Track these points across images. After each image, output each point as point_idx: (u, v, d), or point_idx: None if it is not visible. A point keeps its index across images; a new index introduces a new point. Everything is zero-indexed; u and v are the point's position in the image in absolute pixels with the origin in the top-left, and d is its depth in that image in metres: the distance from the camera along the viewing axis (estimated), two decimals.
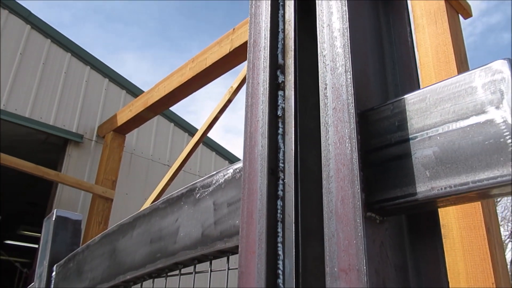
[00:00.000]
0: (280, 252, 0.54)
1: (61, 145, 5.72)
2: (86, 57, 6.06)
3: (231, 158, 7.57)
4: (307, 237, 0.53)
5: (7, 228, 9.51)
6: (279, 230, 0.55)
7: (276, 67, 0.64)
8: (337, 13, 0.55)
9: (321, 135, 0.50)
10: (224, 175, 0.76)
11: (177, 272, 0.85)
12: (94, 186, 5.06)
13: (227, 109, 3.74)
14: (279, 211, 0.55)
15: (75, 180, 5.04)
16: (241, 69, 3.68)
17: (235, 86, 3.56)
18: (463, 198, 0.44)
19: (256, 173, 0.58)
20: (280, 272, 0.53)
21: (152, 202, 2.53)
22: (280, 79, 0.63)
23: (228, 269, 0.74)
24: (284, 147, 0.59)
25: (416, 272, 0.53)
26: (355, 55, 0.54)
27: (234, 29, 3.55)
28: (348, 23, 0.53)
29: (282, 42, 0.66)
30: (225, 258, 0.75)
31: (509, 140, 0.40)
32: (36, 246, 8.48)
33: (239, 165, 0.71)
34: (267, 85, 0.62)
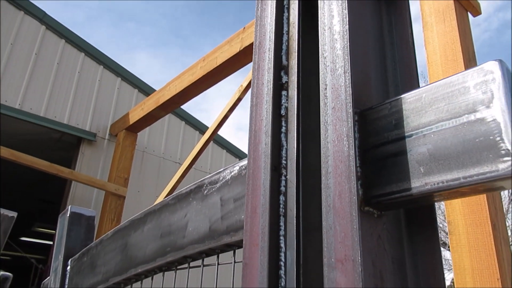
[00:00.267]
0: (282, 245, 0.56)
1: (75, 143, 5.83)
2: (99, 57, 6.16)
3: (241, 156, 7.61)
4: (308, 231, 0.56)
5: (23, 225, 9.71)
6: (282, 224, 0.57)
7: (280, 68, 0.67)
8: (337, 16, 0.57)
9: (321, 133, 0.53)
10: (230, 172, 0.79)
11: (186, 265, 0.88)
12: (107, 184, 5.14)
13: (239, 107, 3.78)
14: (281, 206, 0.58)
15: (89, 178, 5.13)
16: (251, 68, 3.70)
17: (244, 84, 3.59)
18: (455, 193, 0.46)
19: (259, 169, 0.60)
20: (282, 263, 0.55)
21: None
22: (284, 79, 0.66)
23: (235, 262, 0.77)
24: (287, 145, 0.61)
25: (413, 264, 0.55)
26: (355, 57, 0.57)
27: (244, 28, 3.58)
28: (348, 25, 0.56)
29: (286, 43, 0.68)
30: (232, 252, 0.78)
31: (498, 138, 0.42)
32: (51, 242, 8.65)
33: (244, 162, 0.74)
34: (271, 85, 0.65)
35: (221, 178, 0.82)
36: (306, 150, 0.60)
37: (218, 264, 0.82)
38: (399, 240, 0.56)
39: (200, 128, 7.09)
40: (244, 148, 8.02)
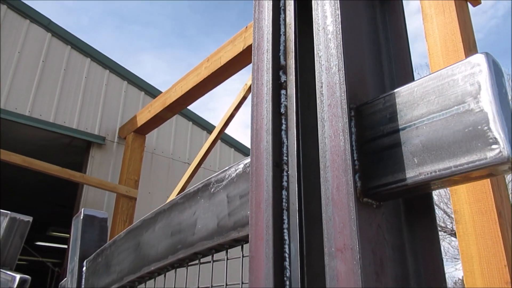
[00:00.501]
0: (286, 237, 0.59)
1: (85, 147, 5.91)
2: (105, 61, 6.23)
3: (249, 153, 7.64)
4: (310, 223, 0.59)
5: (38, 230, 9.86)
6: (285, 217, 0.60)
7: (278, 68, 0.69)
8: (330, 17, 0.59)
9: (318, 129, 0.55)
10: (235, 170, 0.82)
11: (196, 261, 0.92)
12: (117, 186, 5.21)
13: (246, 105, 3.81)
14: (284, 200, 0.61)
15: (99, 181, 5.21)
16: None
17: (249, 83, 3.62)
18: (448, 181, 0.48)
19: (262, 166, 0.63)
20: (286, 255, 0.58)
21: None
22: (283, 79, 0.68)
23: (243, 256, 0.80)
24: (287, 142, 0.64)
25: (413, 251, 0.58)
26: (349, 55, 0.59)
27: (246, 27, 3.60)
28: (341, 25, 0.58)
29: (284, 44, 0.71)
30: (239, 247, 0.81)
31: (486, 127, 0.45)
32: (65, 246, 8.77)
33: (248, 160, 0.77)
34: (270, 85, 0.67)
35: (226, 176, 0.84)
36: (306, 146, 0.63)
37: (227, 259, 0.85)
38: (398, 229, 0.58)
39: (208, 127, 7.13)
40: None
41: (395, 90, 0.56)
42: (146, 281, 1.11)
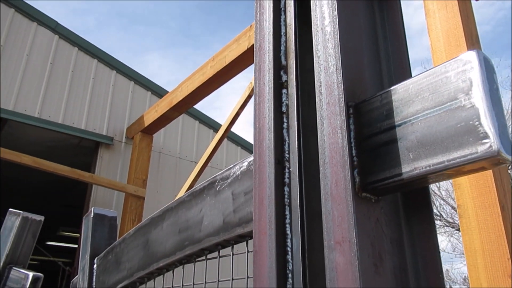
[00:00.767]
0: (288, 232, 0.61)
1: (93, 148, 5.98)
2: (112, 62, 6.29)
3: None
4: (311, 218, 0.61)
5: (48, 230, 9.99)
6: (287, 212, 0.62)
7: (279, 68, 0.71)
8: (328, 18, 0.61)
9: (318, 127, 0.57)
10: (240, 168, 0.84)
11: (203, 257, 0.94)
12: (126, 186, 5.27)
13: (252, 103, 3.83)
14: (286, 196, 0.63)
15: (108, 181, 5.27)
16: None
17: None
18: (442, 175, 0.50)
19: (265, 163, 0.65)
20: (288, 249, 0.60)
21: None
22: (284, 78, 0.70)
23: (248, 251, 0.82)
24: (289, 140, 0.66)
25: (411, 244, 0.59)
26: (347, 54, 0.61)
27: (251, 26, 3.62)
28: (338, 26, 0.60)
29: (285, 44, 0.73)
30: (245, 243, 0.83)
31: (477, 123, 0.46)
32: (75, 246, 8.88)
33: (252, 157, 0.79)
34: (272, 84, 0.69)
35: (231, 174, 0.87)
36: (306, 143, 0.65)
37: (233, 254, 0.87)
38: (397, 223, 0.60)
39: (214, 126, 7.17)
40: None
41: (392, 88, 0.57)
42: (155, 277, 1.14)
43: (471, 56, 0.49)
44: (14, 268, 1.56)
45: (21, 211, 1.67)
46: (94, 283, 1.37)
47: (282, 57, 0.72)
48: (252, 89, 3.76)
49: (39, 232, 1.67)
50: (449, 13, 1.89)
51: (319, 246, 0.59)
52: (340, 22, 0.60)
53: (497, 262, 1.47)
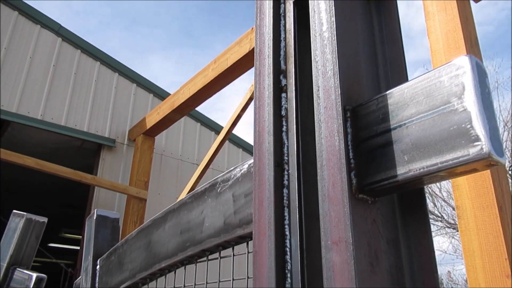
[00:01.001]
0: (287, 233, 0.63)
1: (95, 150, 6.00)
2: (114, 64, 6.32)
3: None
4: (309, 219, 0.62)
5: (50, 231, 10.02)
6: (286, 214, 0.64)
7: (279, 72, 0.73)
8: (326, 24, 0.63)
9: (315, 130, 0.59)
10: (240, 170, 0.86)
11: (205, 258, 0.96)
12: (128, 188, 5.29)
13: (253, 106, 3.84)
14: (285, 198, 0.64)
15: (110, 183, 5.29)
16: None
17: None
18: (436, 177, 0.51)
19: (264, 166, 0.67)
20: (287, 249, 0.62)
21: None
22: (283, 82, 0.72)
23: (248, 252, 0.84)
24: (288, 143, 0.67)
25: (407, 244, 0.61)
26: (345, 59, 0.62)
27: (252, 28, 3.63)
28: (336, 31, 0.61)
29: (284, 49, 0.74)
30: (245, 244, 0.85)
31: (469, 126, 0.48)
32: (77, 247, 8.90)
33: (252, 160, 0.80)
34: (272, 88, 0.71)
35: (232, 176, 0.88)
36: (305, 146, 0.66)
37: (233, 255, 0.89)
38: (393, 223, 0.61)
39: (216, 128, 7.19)
40: None
41: (387, 92, 0.59)
42: (157, 278, 1.15)
43: (464, 61, 0.51)
44: (18, 269, 1.58)
45: (25, 213, 1.69)
46: (97, 284, 1.39)
47: (282, 62, 0.74)
48: (253, 92, 3.78)
49: (42, 233, 1.69)
50: (448, 15, 1.90)
51: (317, 246, 0.61)
52: (338, 28, 0.62)
53: (495, 262, 1.49)
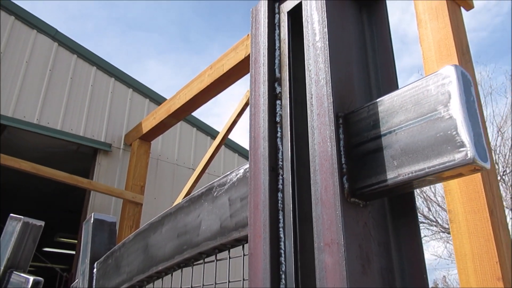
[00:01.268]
0: (282, 235, 0.65)
1: (91, 154, 6.00)
2: (110, 69, 6.33)
3: None
4: (303, 222, 0.64)
5: (45, 236, 9.96)
6: (280, 217, 0.66)
7: (274, 80, 0.75)
8: (319, 34, 0.65)
9: (309, 136, 0.61)
10: (236, 174, 0.88)
11: (201, 261, 0.97)
12: (124, 192, 5.29)
13: (249, 111, 3.87)
14: (279, 201, 0.67)
15: (106, 187, 5.28)
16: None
17: None
18: (424, 181, 0.54)
19: (259, 171, 0.69)
20: (282, 251, 0.64)
21: None
22: (278, 90, 0.74)
23: (244, 255, 0.86)
24: (282, 148, 0.70)
25: (398, 247, 0.63)
26: (337, 68, 0.65)
27: (248, 34, 3.67)
28: (328, 42, 0.64)
29: (279, 58, 0.77)
30: (241, 247, 0.87)
31: (455, 132, 0.50)
32: (72, 252, 8.86)
33: (248, 165, 0.83)
34: (267, 96, 0.73)
35: (228, 181, 0.90)
36: (299, 151, 0.69)
37: (229, 258, 0.91)
38: (384, 226, 0.64)
39: (212, 133, 7.21)
40: None
41: (378, 100, 0.61)
42: (154, 280, 1.17)
43: (450, 71, 0.53)
44: (14, 272, 1.59)
45: (22, 216, 1.70)
46: (94, 287, 1.40)
47: (276, 70, 0.76)
48: (249, 98, 3.81)
49: (39, 237, 1.70)
50: (440, 23, 1.94)
51: (310, 248, 0.63)
52: (330, 38, 0.64)
53: (486, 265, 1.51)
